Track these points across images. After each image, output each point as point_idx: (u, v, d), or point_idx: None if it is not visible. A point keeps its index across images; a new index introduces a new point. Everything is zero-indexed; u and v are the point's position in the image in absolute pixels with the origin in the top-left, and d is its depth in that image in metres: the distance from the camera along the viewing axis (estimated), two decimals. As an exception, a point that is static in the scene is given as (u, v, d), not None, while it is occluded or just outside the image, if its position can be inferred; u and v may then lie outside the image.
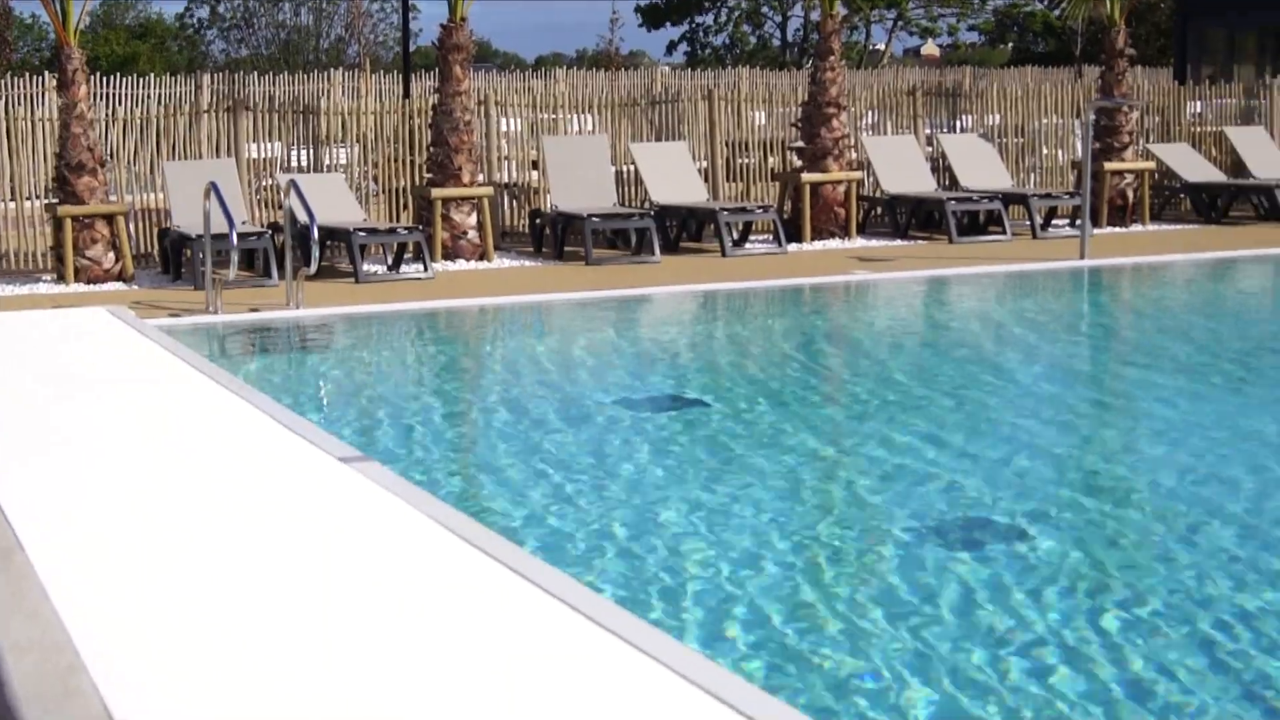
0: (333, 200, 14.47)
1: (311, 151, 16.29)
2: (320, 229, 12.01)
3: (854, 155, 17.61)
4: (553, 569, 4.60)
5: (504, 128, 17.20)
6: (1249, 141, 19.83)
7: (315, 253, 11.85)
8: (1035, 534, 5.97)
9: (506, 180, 16.98)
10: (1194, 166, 19.35)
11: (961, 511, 6.37)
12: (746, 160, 18.06)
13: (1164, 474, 7.15)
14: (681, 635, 4.76)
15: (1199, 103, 20.90)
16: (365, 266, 14.12)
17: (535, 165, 16.92)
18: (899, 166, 17.61)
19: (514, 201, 17.03)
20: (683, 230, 16.57)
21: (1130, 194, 18.52)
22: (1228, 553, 5.73)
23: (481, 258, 15.22)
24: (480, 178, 15.81)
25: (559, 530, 6.03)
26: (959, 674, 4.51)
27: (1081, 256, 14.99)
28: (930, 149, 18.54)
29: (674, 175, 16.45)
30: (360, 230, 14.01)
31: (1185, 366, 10.08)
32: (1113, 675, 4.50)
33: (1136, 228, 18.34)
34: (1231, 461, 7.24)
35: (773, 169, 18.02)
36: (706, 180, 17.12)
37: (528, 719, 3.56)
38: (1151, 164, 18.90)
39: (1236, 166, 19.72)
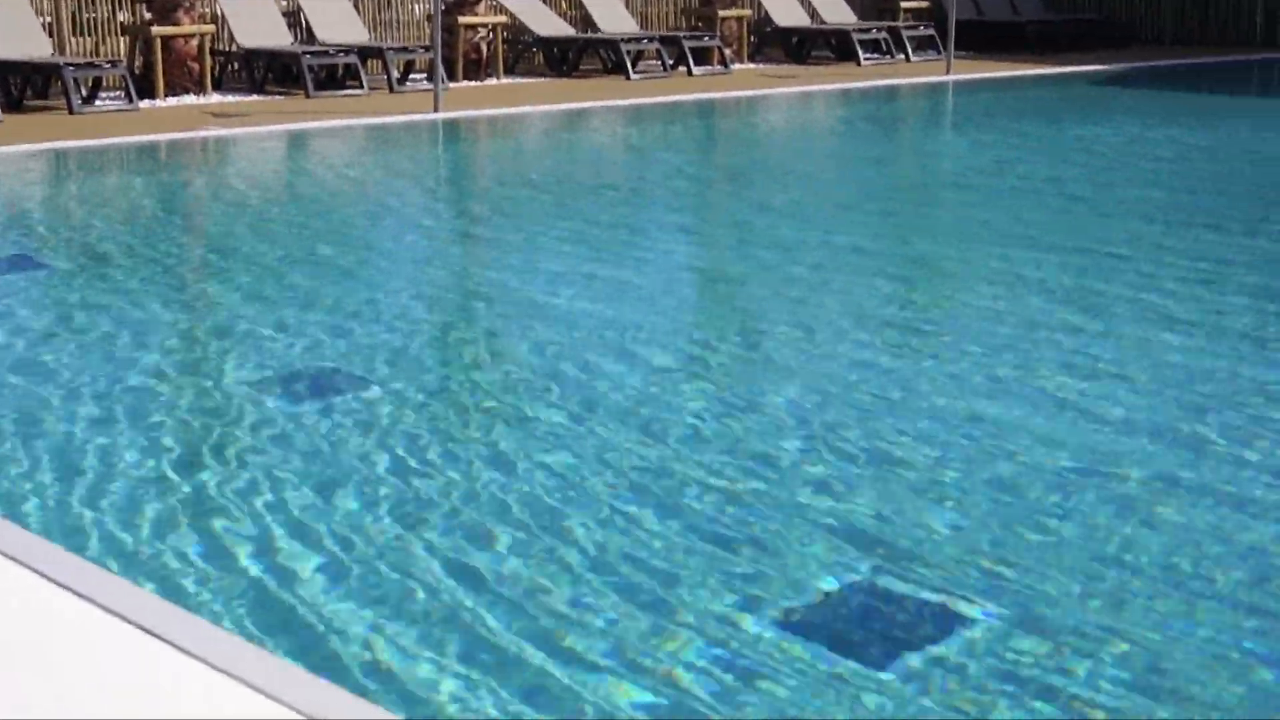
0: None
1: None
2: None
3: (206, 8, 17.25)
4: None
5: None
6: (596, -3, 20.70)
7: None
8: (372, 387, 6.20)
9: None
10: (545, 21, 20.03)
11: (293, 366, 6.52)
12: (94, 14, 17.35)
13: (511, 317, 7.54)
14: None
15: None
16: None
17: None
18: (253, 20, 17.39)
19: None
20: (27, 87, 15.81)
21: (484, 48, 19.00)
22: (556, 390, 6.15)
23: None
24: None
25: None
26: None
27: (435, 109, 15.35)
28: (285, 3, 18.36)
29: (14, 28, 15.64)
30: None
31: (534, 210, 10.56)
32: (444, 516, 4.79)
33: (491, 81, 18.87)
34: (588, 296, 7.71)
35: (122, 23, 17.41)
36: (51, 35, 16.36)
37: None
38: (504, 18, 19.44)
39: (585, 21, 20.56)
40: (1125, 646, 3.77)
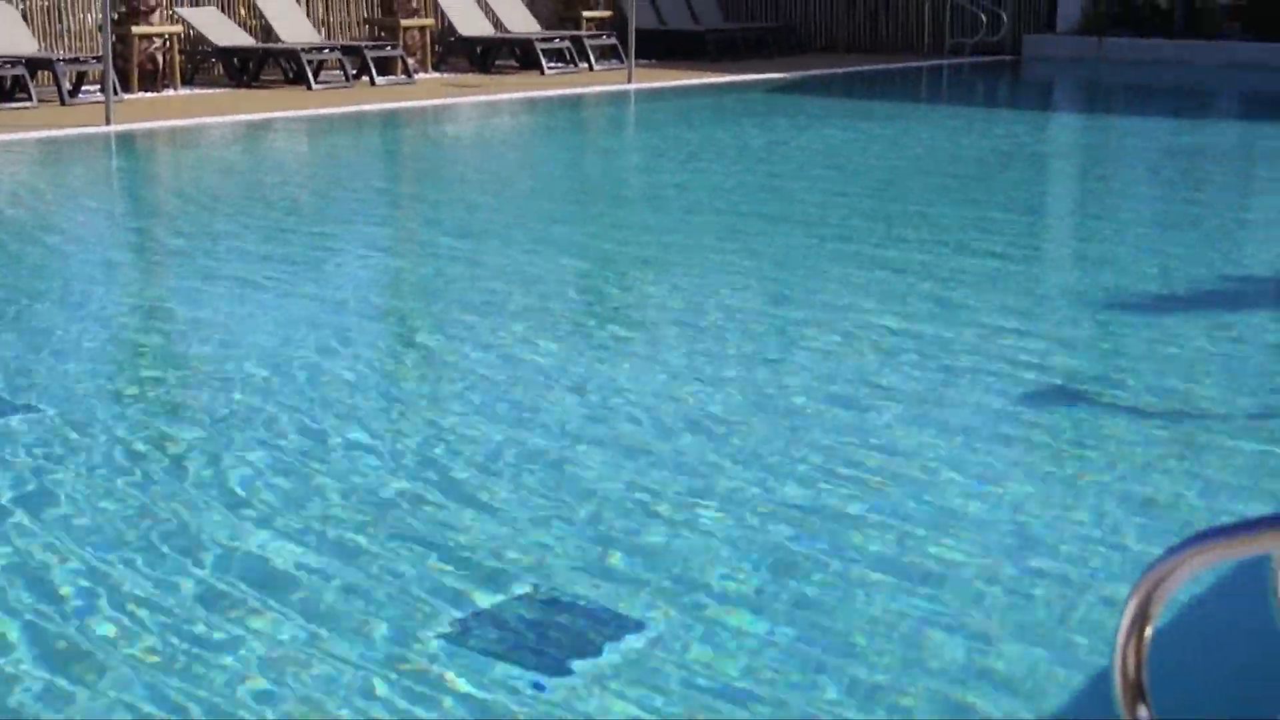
0: None
1: None
2: None
3: None
4: None
5: None
6: (277, 8, 20.53)
7: None
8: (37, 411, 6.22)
9: None
10: (224, 31, 19.85)
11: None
12: None
13: (186, 326, 7.58)
14: None
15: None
16: None
17: None
18: (-86, 31, 16.88)
19: None
20: None
21: (161, 58, 18.74)
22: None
23: None
24: None
25: None
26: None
27: (108, 122, 15.13)
28: (-51, 13, 17.86)
29: None
30: None
31: (201, 225, 10.57)
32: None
33: (169, 92, 18.62)
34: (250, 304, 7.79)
35: None
36: None
37: None
38: (180, 28, 19.21)
39: (266, 31, 20.43)
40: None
